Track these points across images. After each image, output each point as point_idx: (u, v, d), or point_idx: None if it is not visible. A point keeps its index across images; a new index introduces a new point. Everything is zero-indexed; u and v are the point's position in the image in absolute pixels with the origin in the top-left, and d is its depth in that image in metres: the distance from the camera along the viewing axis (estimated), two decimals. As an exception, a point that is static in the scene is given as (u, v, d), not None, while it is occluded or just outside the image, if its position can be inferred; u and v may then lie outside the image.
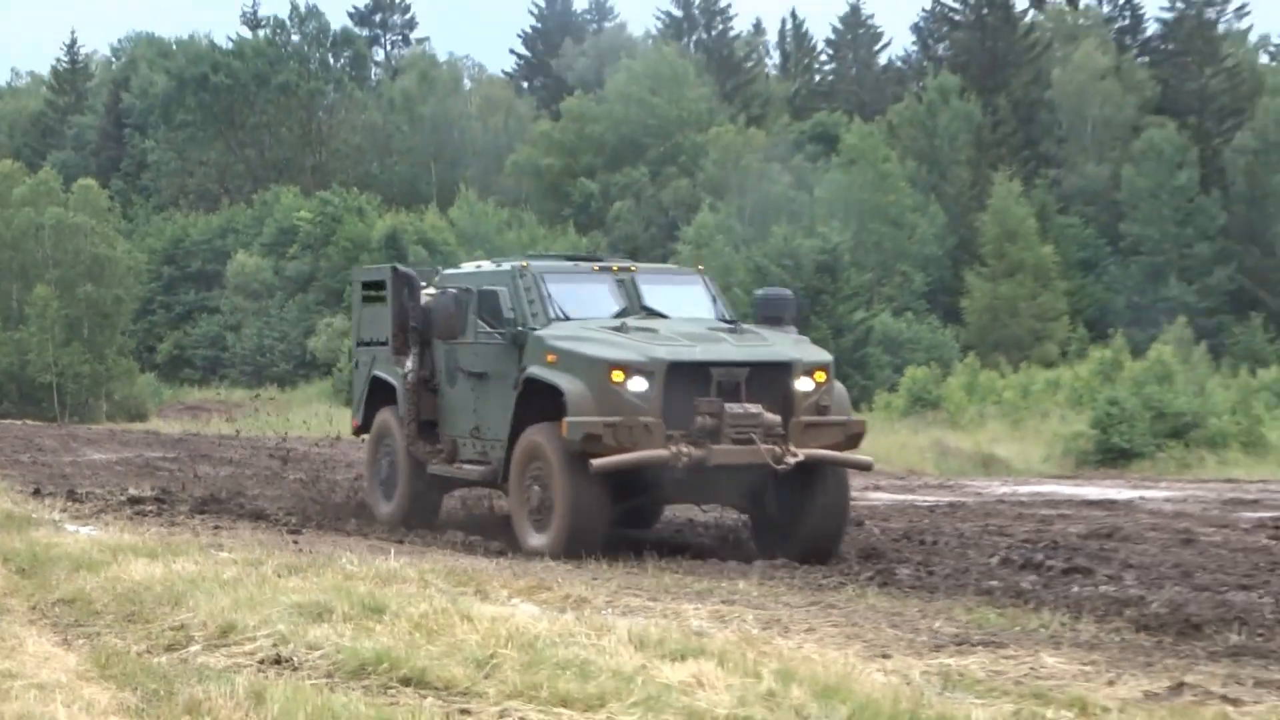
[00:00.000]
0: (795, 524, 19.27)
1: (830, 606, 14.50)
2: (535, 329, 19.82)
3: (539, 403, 19.37)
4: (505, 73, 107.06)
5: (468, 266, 23.21)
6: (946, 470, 33.73)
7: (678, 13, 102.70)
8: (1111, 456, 38.07)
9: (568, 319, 20.09)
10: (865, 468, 20.99)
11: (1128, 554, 18.64)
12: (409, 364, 21.88)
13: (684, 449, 18.36)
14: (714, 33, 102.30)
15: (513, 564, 17.39)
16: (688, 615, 13.21)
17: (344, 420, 51.79)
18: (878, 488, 28.02)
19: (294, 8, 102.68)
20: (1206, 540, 20.02)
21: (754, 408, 18.67)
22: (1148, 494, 27.05)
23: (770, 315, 21.23)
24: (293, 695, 9.38)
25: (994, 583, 16.54)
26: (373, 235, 77.09)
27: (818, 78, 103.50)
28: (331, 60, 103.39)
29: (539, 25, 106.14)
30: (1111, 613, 14.30)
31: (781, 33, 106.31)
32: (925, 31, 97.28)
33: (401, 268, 23.06)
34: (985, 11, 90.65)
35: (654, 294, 20.98)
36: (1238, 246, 76.04)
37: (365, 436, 23.69)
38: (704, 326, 20.24)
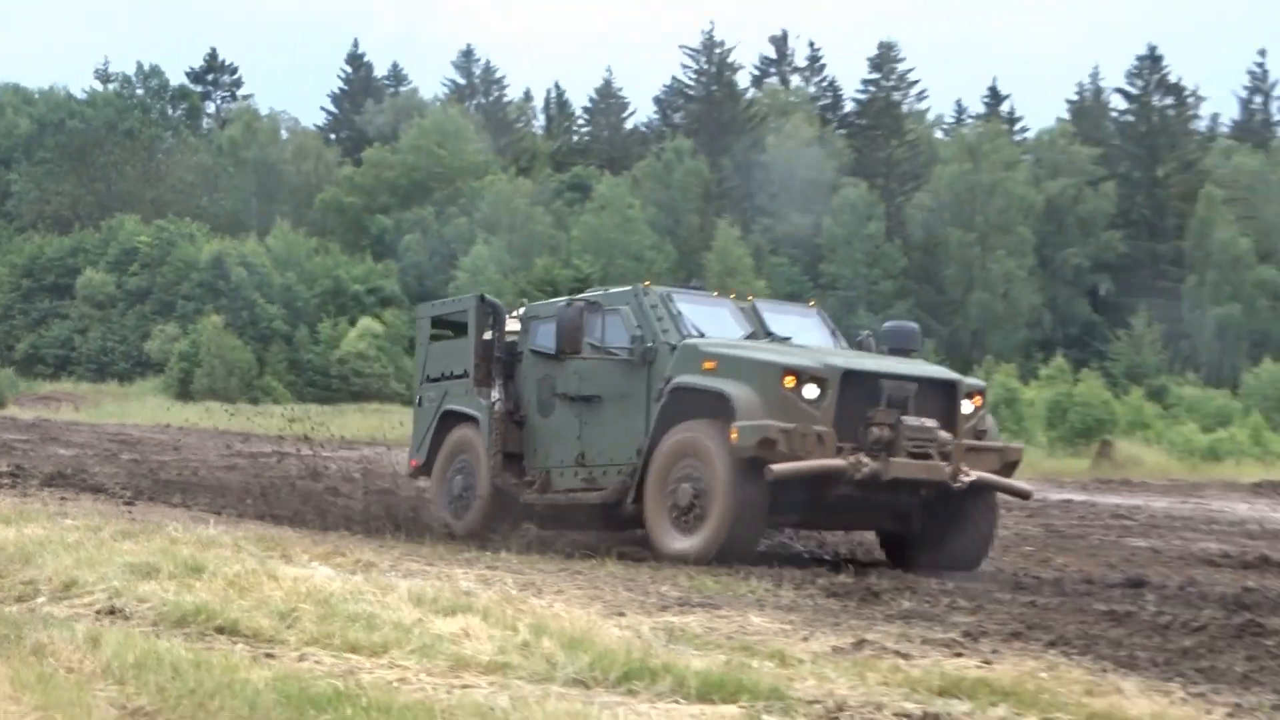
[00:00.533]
0: (942, 546, 16.37)
1: (577, 573, 14.46)
2: (674, 344, 16.46)
3: (684, 414, 16.06)
4: (317, 125, 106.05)
5: (555, 300, 19.76)
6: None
7: (461, 80, 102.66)
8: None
9: (703, 336, 16.65)
10: (1025, 496, 17.25)
11: (817, 534, 18.76)
12: (495, 395, 18.44)
13: (862, 460, 15.21)
14: (491, 98, 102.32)
15: (312, 534, 17.14)
16: (458, 578, 13.12)
17: (178, 412, 51.17)
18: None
19: (139, 66, 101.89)
20: (885, 524, 20.20)
21: (930, 422, 15.58)
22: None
23: (898, 348, 17.82)
24: (124, 640, 9.20)
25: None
26: (200, 258, 76.21)
27: (576, 138, 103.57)
28: (170, 111, 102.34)
29: (345, 87, 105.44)
30: (807, 581, 14.37)
31: (547, 100, 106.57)
32: (665, 103, 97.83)
33: (489, 297, 19.22)
34: (714, 88, 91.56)
35: (776, 321, 17.63)
36: (915, 285, 77.29)
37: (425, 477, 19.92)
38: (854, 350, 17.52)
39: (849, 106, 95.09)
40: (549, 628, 10.17)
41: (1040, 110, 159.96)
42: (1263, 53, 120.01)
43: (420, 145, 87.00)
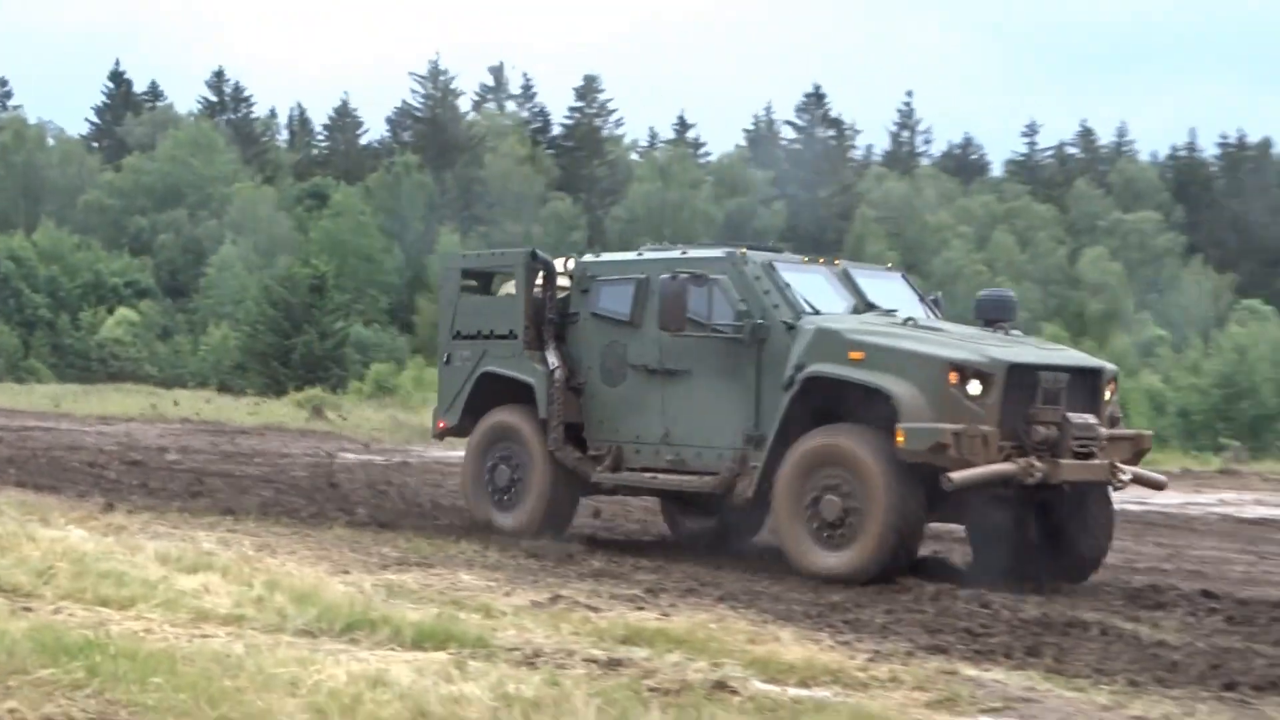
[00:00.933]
0: (1060, 546, 13.45)
1: (307, 535, 14.31)
2: (790, 322, 13.38)
3: (822, 406, 13.07)
4: (81, 135, 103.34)
5: (613, 255, 16.03)
6: (398, 439, 33.61)
7: (213, 98, 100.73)
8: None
9: (816, 312, 13.55)
10: (1161, 487, 14.25)
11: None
12: (553, 360, 14.97)
13: (1034, 463, 12.45)
14: (240, 114, 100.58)
15: (70, 500, 16.66)
16: (201, 540, 12.91)
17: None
18: (345, 450, 27.76)
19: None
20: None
21: (1090, 418, 12.88)
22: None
23: (992, 318, 14.38)
24: (-109, 596, 8.94)
25: (428, 521, 16.51)
26: (-28, 251, 74.10)
27: (315, 151, 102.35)
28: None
29: (108, 101, 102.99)
30: (510, 545, 14.40)
31: (290, 117, 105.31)
32: (395, 123, 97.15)
33: (540, 253, 15.50)
34: (438, 111, 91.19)
35: (871, 287, 14.45)
36: (611, 287, 77.88)
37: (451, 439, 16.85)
38: (971, 327, 14.20)
39: (557, 130, 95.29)
40: (281, 584, 10.08)
41: (721, 137, 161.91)
42: (909, 94, 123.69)
43: (175, 155, 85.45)
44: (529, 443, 15.14)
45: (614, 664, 8.44)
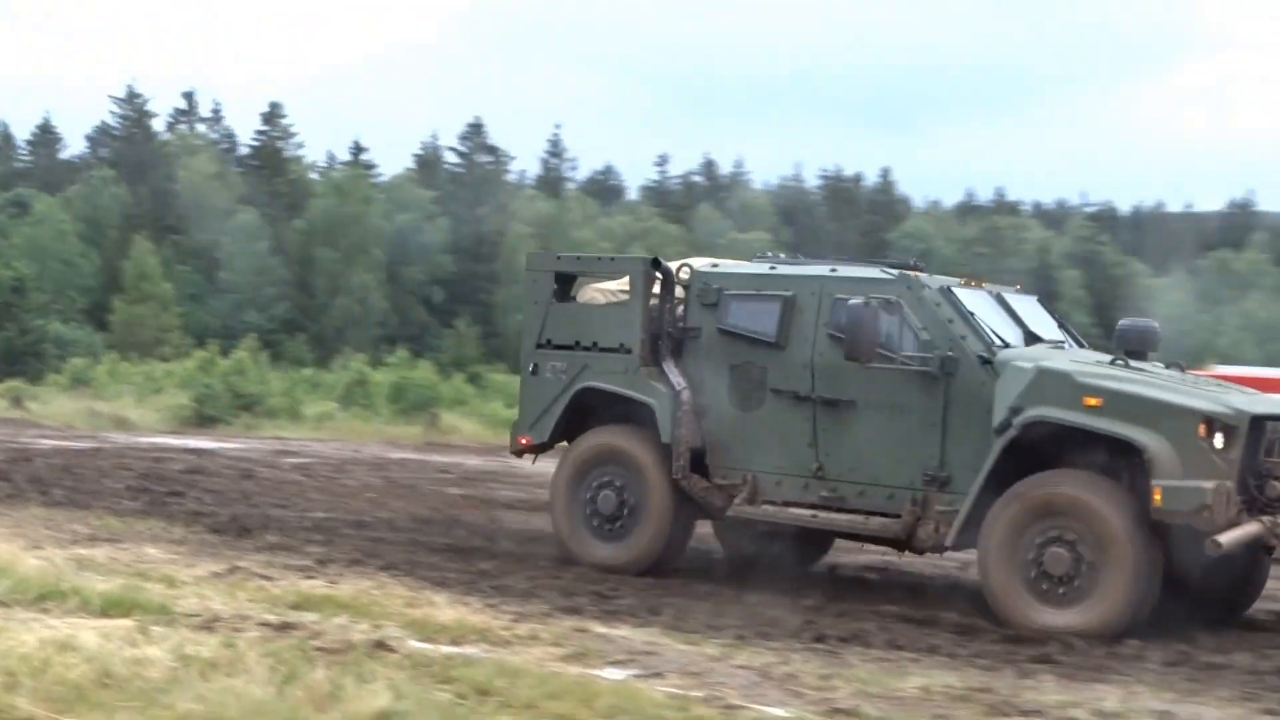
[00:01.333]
0: (1214, 586, 11.20)
1: (4, 514, 13.76)
2: (986, 356, 10.87)
3: (1044, 454, 10.54)
4: None
5: (733, 264, 12.83)
6: (94, 427, 32.49)
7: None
8: (204, 420, 37.34)
9: (1007, 345, 11.11)
10: None
11: (208, 484, 18.34)
12: (679, 380, 12.06)
13: (1278, 522, 10.28)
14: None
15: None
16: (-98, 520, 12.35)
17: None
18: (45, 438, 26.74)
19: None
20: (261, 476, 19.91)
21: None
22: (225, 445, 26.77)
23: (1134, 349, 11.79)
24: None
25: (118, 500, 16.03)
26: None
27: (18, 165, 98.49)
28: None
29: None
30: (194, 521, 14.10)
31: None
32: (95, 140, 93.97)
33: (662, 261, 12.57)
34: (135, 131, 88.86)
35: (1026, 315, 11.85)
36: (292, 291, 76.68)
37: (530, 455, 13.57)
38: (1160, 366, 11.59)
39: (244, 150, 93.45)
40: (-24, 560, 9.72)
41: (392, 160, 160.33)
42: (558, 126, 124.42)
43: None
44: (642, 467, 12.29)
45: (285, 627, 8.35)
